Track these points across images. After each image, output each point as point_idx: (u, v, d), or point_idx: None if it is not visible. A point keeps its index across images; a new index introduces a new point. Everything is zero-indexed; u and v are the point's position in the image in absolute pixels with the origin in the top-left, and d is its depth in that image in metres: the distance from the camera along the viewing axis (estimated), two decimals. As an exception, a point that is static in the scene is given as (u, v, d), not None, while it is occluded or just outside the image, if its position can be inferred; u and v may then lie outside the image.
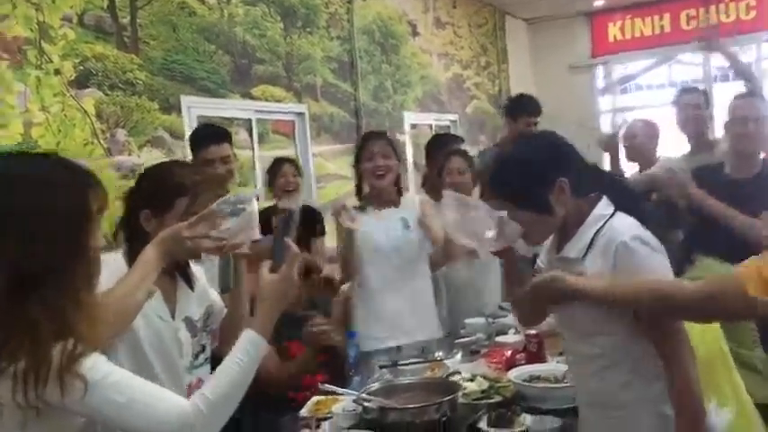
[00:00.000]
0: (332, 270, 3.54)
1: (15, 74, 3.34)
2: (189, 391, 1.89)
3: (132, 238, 1.87)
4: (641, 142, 4.05)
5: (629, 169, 4.14)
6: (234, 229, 1.79)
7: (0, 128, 3.27)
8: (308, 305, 3.04)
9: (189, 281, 2.01)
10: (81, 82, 3.66)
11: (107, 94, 3.80)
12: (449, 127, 7.34)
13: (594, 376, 1.71)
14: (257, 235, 1.83)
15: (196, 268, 2.08)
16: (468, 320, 3.24)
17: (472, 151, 4.01)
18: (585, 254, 1.68)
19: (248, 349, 1.47)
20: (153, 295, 1.86)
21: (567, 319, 1.78)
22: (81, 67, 3.67)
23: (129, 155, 3.86)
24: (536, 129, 4.05)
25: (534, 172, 1.69)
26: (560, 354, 2.35)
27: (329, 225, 3.79)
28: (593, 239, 1.67)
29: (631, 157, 4.15)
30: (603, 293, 1.60)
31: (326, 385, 2.33)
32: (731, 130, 3.12)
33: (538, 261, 1.88)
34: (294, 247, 1.59)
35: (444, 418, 2.10)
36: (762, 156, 3.11)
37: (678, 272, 1.72)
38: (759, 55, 8.43)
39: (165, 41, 4.21)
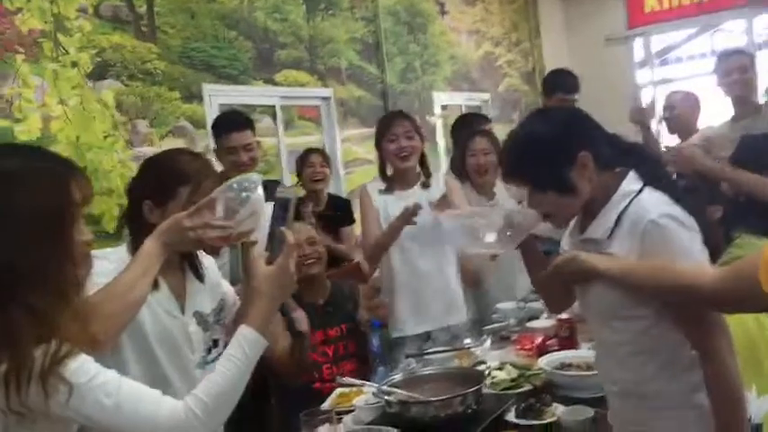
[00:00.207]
0: (362, 258, 3.46)
1: (32, 67, 3.30)
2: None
3: (136, 230, 1.80)
4: (681, 114, 3.88)
5: (670, 142, 3.96)
6: (240, 217, 1.70)
7: (18, 123, 3.24)
8: (333, 294, 2.94)
9: (198, 273, 1.93)
10: (99, 73, 3.62)
11: (126, 85, 3.75)
12: (480, 107, 7.16)
13: (620, 365, 1.59)
14: (264, 222, 1.73)
15: (207, 260, 2.00)
16: (499, 305, 3.13)
17: (505, 131, 3.87)
18: (611, 234, 1.54)
19: (244, 347, 1.39)
20: (158, 289, 1.80)
21: (587, 303, 1.65)
22: (98, 59, 3.62)
23: (151, 146, 3.80)
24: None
25: (551, 149, 1.56)
26: (592, 339, 2.22)
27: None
28: (619, 218, 1.54)
29: (672, 129, 3.97)
30: (621, 275, 1.48)
31: (345, 378, 2.24)
32: None
33: (561, 243, 1.75)
34: (290, 238, 1.49)
35: (470, 411, 2.00)
36: None
37: (716, 251, 1.57)
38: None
39: (184, 29, 4.14)
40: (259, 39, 4.71)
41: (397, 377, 2.22)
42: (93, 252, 1.77)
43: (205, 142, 3.93)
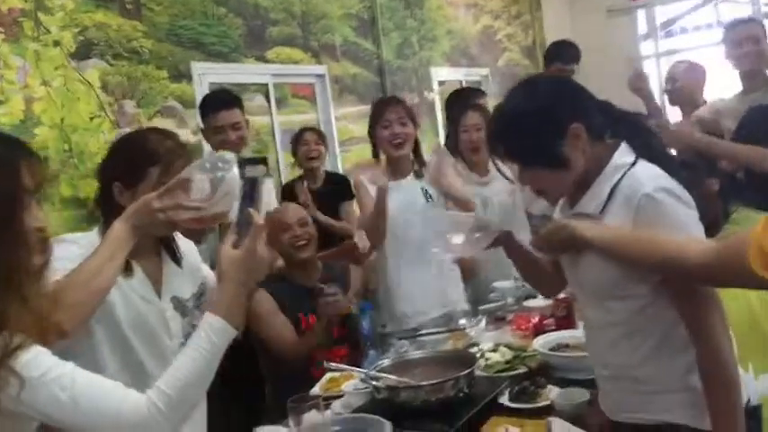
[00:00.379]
0: (361, 237, 3.39)
1: (12, 48, 3.21)
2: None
3: (107, 213, 1.72)
4: (685, 85, 3.75)
5: (673, 115, 3.84)
6: (213, 198, 1.61)
7: (0, 105, 3.15)
8: (324, 276, 2.87)
9: (176, 257, 1.85)
10: (83, 53, 3.52)
11: (111, 65, 3.65)
12: (480, 82, 7.03)
13: (612, 347, 1.51)
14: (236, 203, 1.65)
15: (186, 243, 1.93)
16: (496, 284, 3.05)
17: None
18: (604, 208, 1.46)
19: (210, 336, 1.31)
20: (132, 274, 1.73)
21: (579, 281, 1.57)
22: (82, 38, 3.52)
23: (139, 127, 3.71)
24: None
25: (541, 122, 1.45)
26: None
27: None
28: (612, 192, 1.45)
29: (674, 101, 3.85)
30: (608, 244, 1.39)
31: (332, 363, 2.17)
32: None
33: (553, 219, 1.66)
34: (259, 219, 1.40)
35: (462, 395, 1.93)
36: None
37: (713, 226, 1.48)
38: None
39: (171, 6, 4.02)
40: (250, 15, 4.60)
41: (387, 362, 2.15)
42: (63, 236, 1.72)
43: (195, 122, 3.83)
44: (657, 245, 1.34)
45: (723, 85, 3.82)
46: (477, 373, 2.05)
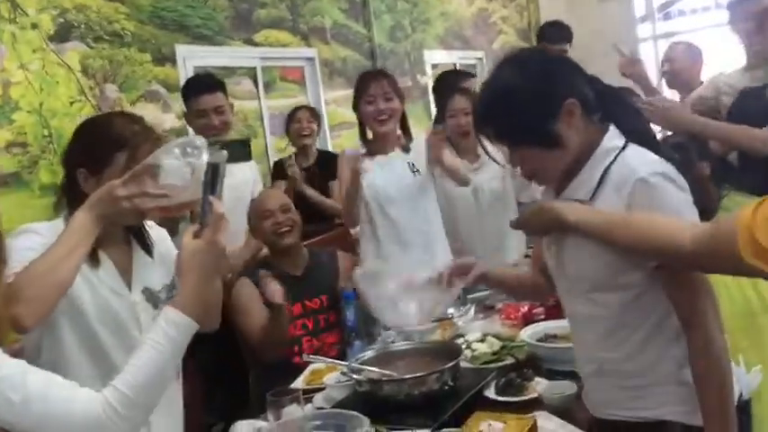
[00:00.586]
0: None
1: (-13, 30, 3.12)
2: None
3: (71, 201, 1.64)
4: (682, 67, 3.66)
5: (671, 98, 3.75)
6: (181, 185, 1.53)
7: (-25, 89, 3.07)
8: (311, 263, 2.79)
9: (147, 247, 1.78)
10: (62, 35, 3.43)
11: (92, 48, 3.56)
12: (475, 65, 6.94)
13: (598, 342, 1.43)
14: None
15: (158, 231, 1.85)
16: (486, 271, 2.96)
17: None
18: (594, 194, 1.38)
19: (167, 331, 1.23)
20: (100, 265, 1.65)
21: (564, 274, 1.48)
22: (61, 20, 3.43)
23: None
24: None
25: (532, 96, 1.36)
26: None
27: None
28: (602, 177, 1.37)
29: (671, 83, 3.76)
30: (598, 228, 1.31)
31: (312, 356, 2.09)
32: None
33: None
34: (219, 208, 1.32)
35: (446, 387, 1.86)
36: None
37: (707, 212, 1.40)
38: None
39: (154, -13, 3.93)
40: (236, -4, 4.50)
41: (370, 353, 2.08)
42: (25, 226, 1.64)
43: (179, 106, 3.74)
44: (649, 229, 1.26)
45: (720, 67, 3.74)
46: (463, 364, 1.98)
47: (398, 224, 2.87)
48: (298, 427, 1.70)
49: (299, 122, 4.02)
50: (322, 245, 3.38)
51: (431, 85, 6.16)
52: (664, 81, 3.94)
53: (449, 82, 3.76)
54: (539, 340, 2.09)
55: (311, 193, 3.72)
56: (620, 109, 1.44)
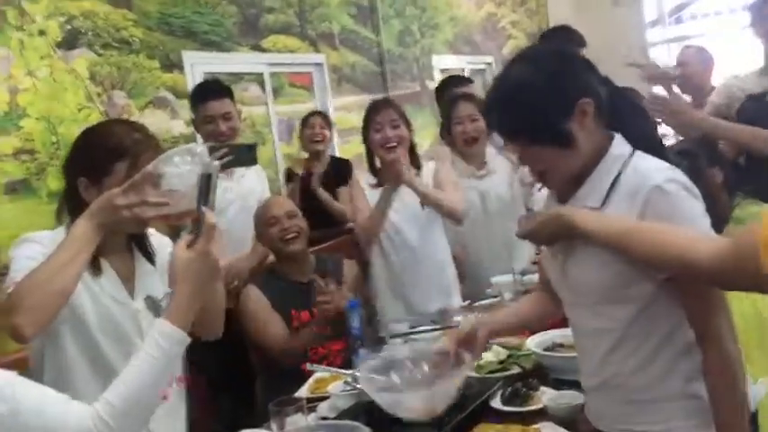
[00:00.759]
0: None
1: (-6, 37, 3.13)
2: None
3: (72, 211, 1.64)
4: (694, 71, 3.63)
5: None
6: (181, 193, 1.52)
7: (-18, 96, 3.08)
8: (317, 270, 2.78)
9: (148, 255, 1.77)
10: (70, 42, 3.44)
11: (100, 54, 3.57)
12: (484, 70, 6.92)
13: (604, 355, 1.40)
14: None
15: (160, 239, 1.84)
16: (494, 279, 2.94)
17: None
18: (604, 202, 1.34)
19: (160, 343, 1.22)
20: (101, 274, 1.65)
21: (571, 285, 1.44)
22: (68, 27, 3.44)
23: (130, 118, 3.63)
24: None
25: (547, 93, 1.32)
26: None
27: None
28: (613, 184, 1.34)
29: (683, 87, 3.73)
30: (614, 237, 1.27)
31: (316, 365, 2.08)
32: None
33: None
34: (211, 218, 1.31)
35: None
36: None
37: (720, 219, 1.36)
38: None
39: (161, -7, 3.94)
40: (244, 3, 4.51)
41: (372, 362, 2.05)
42: (26, 235, 1.64)
43: (188, 113, 3.74)
44: (667, 239, 1.23)
45: (732, 71, 3.71)
46: (469, 374, 1.95)
47: (408, 252, 2.88)
48: (301, 436, 1.69)
49: (311, 128, 4.04)
50: (328, 251, 3.36)
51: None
52: (677, 85, 3.91)
53: (450, 89, 3.75)
54: (546, 349, 2.06)
55: (322, 192, 3.71)
56: (629, 110, 1.41)
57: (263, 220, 2.73)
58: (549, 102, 1.32)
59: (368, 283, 2.98)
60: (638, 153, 1.36)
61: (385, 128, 2.81)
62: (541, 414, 1.75)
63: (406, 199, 2.85)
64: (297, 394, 2.15)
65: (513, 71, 1.40)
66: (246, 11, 4.51)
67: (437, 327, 2.57)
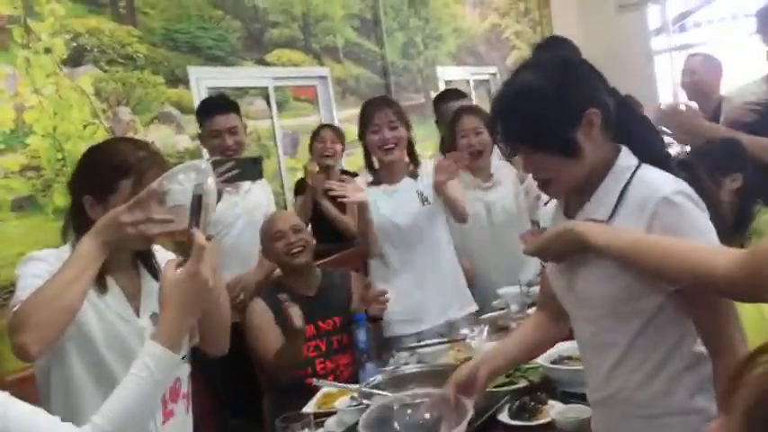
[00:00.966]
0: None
1: (1, 55, 3.15)
2: (163, 395, 1.68)
3: (78, 229, 1.64)
4: (701, 78, 3.63)
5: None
6: (186, 210, 1.52)
7: (-12, 114, 3.10)
8: (324, 284, 2.77)
9: (154, 272, 1.77)
10: (75, 59, 3.46)
11: (105, 71, 3.59)
12: (488, 81, 6.93)
13: (609, 369, 1.38)
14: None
15: (165, 255, 1.84)
16: (501, 290, 2.93)
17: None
18: (612, 215, 1.33)
19: (148, 364, 1.22)
20: (107, 292, 1.65)
21: (574, 293, 1.43)
22: (74, 44, 3.46)
23: (135, 134, 3.64)
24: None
25: (554, 101, 1.31)
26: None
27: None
28: (620, 196, 1.33)
29: (692, 95, 3.73)
30: (626, 250, 1.26)
31: (322, 381, 2.07)
32: None
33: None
34: (201, 239, 1.31)
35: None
36: None
37: (724, 231, 1.35)
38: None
39: (166, 9, 3.96)
40: (248, 18, 4.52)
41: (380, 377, 2.05)
42: (32, 254, 1.64)
43: (193, 128, 3.76)
44: (680, 251, 1.22)
45: (737, 78, 3.71)
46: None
47: (407, 253, 2.83)
48: (308, 453, 1.68)
49: (322, 142, 3.96)
50: (334, 265, 3.36)
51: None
52: (685, 93, 3.90)
53: (446, 103, 3.76)
54: (553, 362, 2.04)
55: (328, 206, 3.66)
56: (635, 121, 1.41)
57: (269, 235, 2.73)
58: (557, 110, 1.31)
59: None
60: (645, 165, 1.36)
61: (383, 129, 2.78)
62: (549, 428, 1.75)
63: (405, 199, 2.83)
64: (304, 410, 2.14)
65: (520, 78, 1.39)
66: (250, 25, 4.53)
67: (443, 341, 2.56)
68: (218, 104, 3.12)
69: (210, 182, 1.38)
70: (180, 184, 1.52)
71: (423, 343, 2.58)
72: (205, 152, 3.30)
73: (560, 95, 1.31)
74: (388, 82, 5.54)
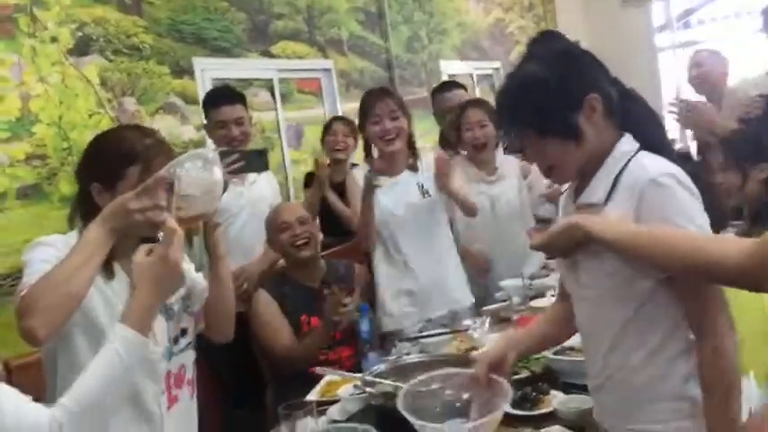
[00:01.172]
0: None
1: (7, 44, 3.16)
2: (168, 381, 1.71)
3: (85, 216, 1.65)
4: (708, 71, 3.63)
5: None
6: (193, 197, 1.54)
7: (-5, 102, 3.11)
8: (328, 276, 2.78)
9: (159, 259, 1.78)
10: (81, 49, 3.47)
11: (111, 61, 3.60)
12: (491, 75, 6.93)
13: (606, 354, 1.41)
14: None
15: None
16: (503, 282, 2.94)
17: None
18: (608, 198, 1.36)
19: (117, 348, 1.24)
20: (114, 278, 1.66)
21: (578, 281, 1.45)
22: (80, 34, 3.47)
23: (140, 123, 3.65)
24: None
25: (556, 87, 1.34)
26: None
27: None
28: (616, 180, 1.35)
29: (700, 89, 3.74)
30: (631, 244, 1.27)
31: (325, 369, 2.08)
32: None
33: (559, 216, 1.56)
34: (171, 223, 1.32)
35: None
36: None
37: (720, 222, 1.36)
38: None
39: (171, 0, 3.96)
40: (253, 10, 4.53)
41: (383, 366, 2.06)
42: (39, 239, 1.65)
43: (198, 118, 3.77)
44: (687, 243, 1.23)
45: (742, 75, 3.73)
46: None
47: (408, 245, 2.82)
48: (311, 440, 1.69)
49: (334, 135, 3.84)
50: (337, 256, 3.37)
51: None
52: (693, 87, 3.91)
53: (443, 95, 3.75)
54: (555, 353, 2.05)
55: (334, 200, 3.62)
56: (639, 112, 1.42)
57: (275, 226, 2.73)
58: (558, 95, 1.34)
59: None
60: (644, 152, 1.37)
61: (384, 120, 2.76)
62: (551, 418, 1.75)
63: (405, 191, 2.83)
64: (307, 398, 2.15)
65: (524, 70, 1.42)
66: (256, 17, 4.53)
67: (446, 331, 2.57)
68: (225, 95, 3.12)
69: (181, 171, 1.39)
70: (188, 172, 1.53)
71: (425, 333, 2.59)
72: (210, 142, 3.31)
73: (563, 84, 1.35)
74: (392, 75, 5.55)
